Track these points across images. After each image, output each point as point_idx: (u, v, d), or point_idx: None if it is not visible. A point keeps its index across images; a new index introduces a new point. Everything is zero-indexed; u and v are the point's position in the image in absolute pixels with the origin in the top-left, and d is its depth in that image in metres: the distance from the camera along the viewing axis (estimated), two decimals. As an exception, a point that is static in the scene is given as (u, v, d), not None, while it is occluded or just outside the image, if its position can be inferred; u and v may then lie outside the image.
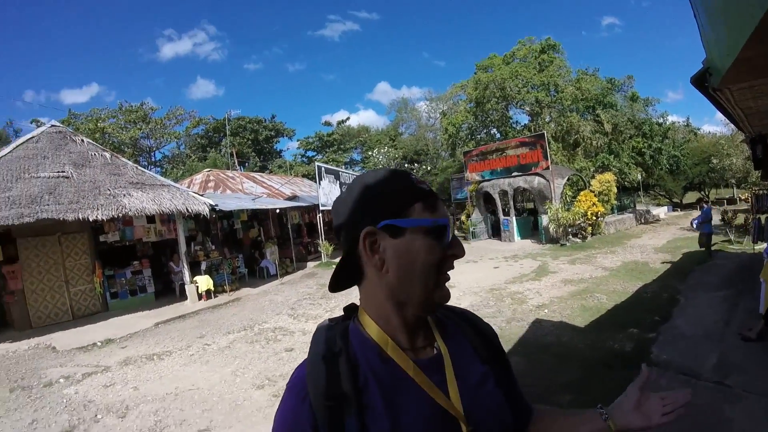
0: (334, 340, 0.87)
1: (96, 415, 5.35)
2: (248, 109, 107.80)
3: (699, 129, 35.52)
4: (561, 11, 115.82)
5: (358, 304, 0.96)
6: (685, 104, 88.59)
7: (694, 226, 12.03)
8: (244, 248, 16.16)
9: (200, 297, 11.83)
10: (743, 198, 26.75)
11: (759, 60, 2.20)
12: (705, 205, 12.27)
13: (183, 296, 12.01)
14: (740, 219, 19.15)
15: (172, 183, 13.06)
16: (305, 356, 0.90)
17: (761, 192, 14.71)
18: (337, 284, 0.96)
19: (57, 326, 10.21)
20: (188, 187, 17.22)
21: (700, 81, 3.43)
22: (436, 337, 0.95)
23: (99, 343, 8.61)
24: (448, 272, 0.90)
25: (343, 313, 0.98)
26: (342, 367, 0.83)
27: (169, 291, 12.90)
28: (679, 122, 33.63)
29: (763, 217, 12.02)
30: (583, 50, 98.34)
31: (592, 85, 25.67)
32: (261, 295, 12.32)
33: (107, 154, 12.23)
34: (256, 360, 6.83)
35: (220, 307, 11.12)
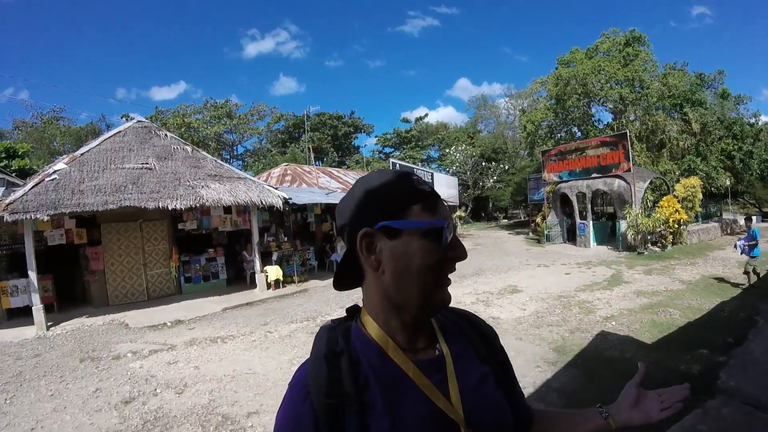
0: (336, 340, 0.88)
1: (155, 389, 5.54)
2: (328, 105, 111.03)
3: (795, 132, 31.25)
4: (648, 0, 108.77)
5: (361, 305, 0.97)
6: (780, 103, 78.75)
7: (739, 249, 9.88)
8: (315, 241, 16.37)
9: (269, 286, 12.09)
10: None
11: None
12: (752, 225, 10.19)
13: (253, 284, 12.32)
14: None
15: (248, 176, 13.50)
16: None
17: None
18: (341, 283, 0.96)
19: (132, 305, 10.83)
20: (266, 180, 17.75)
21: None
22: (438, 338, 0.95)
23: (169, 323, 9.04)
24: (450, 275, 0.89)
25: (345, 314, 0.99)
26: (343, 367, 0.83)
27: (240, 278, 13.28)
28: (772, 123, 29.71)
29: None
30: (671, 43, 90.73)
31: (680, 81, 23.49)
32: (328, 287, 12.30)
33: (188, 148, 12.82)
34: (314, 350, 6.81)
35: (287, 297, 11.30)
